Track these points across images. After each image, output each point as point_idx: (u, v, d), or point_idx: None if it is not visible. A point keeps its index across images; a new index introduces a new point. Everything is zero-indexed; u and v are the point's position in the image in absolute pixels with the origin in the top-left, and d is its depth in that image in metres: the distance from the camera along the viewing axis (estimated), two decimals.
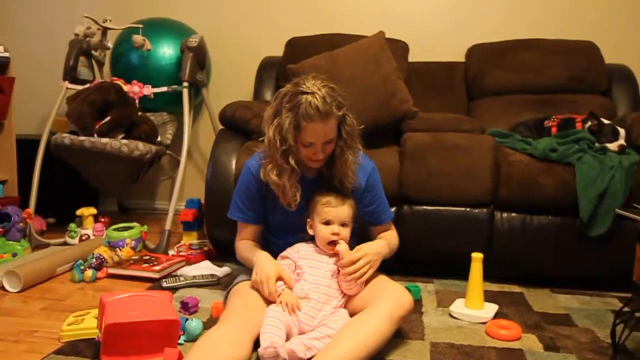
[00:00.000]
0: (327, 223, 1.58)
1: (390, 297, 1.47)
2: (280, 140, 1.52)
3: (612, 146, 2.07)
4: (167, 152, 2.81)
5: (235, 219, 1.70)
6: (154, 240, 2.57)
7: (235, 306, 1.48)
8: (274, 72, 2.87)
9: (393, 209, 2.11)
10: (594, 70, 2.61)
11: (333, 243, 1.57)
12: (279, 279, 1.51)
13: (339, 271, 1.56)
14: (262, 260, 1.55)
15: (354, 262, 1.50)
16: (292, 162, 1.55)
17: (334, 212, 1.57)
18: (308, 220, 1.64)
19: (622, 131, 2.10)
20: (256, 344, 1.40)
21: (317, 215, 1.60)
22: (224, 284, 2.04)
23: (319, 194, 1.62)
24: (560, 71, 2.61)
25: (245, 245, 1.68)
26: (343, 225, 1.59)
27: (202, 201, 2.55)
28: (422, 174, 2.09)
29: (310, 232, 1.63)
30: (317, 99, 1.47)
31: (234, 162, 2.23)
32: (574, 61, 2.62)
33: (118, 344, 1.41)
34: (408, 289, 1.74)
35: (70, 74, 2.76)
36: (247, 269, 1.68)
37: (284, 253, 1.61)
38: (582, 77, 2.60)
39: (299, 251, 1.60)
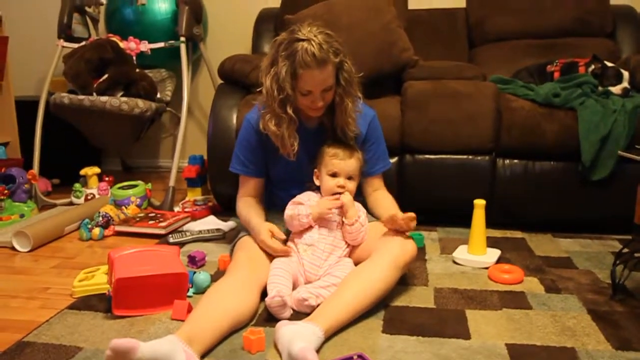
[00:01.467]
0: (334, 175, 1.59)
1: (395, 245, 1.48)
2: (277, 90, 1.51)
3: (616, 89, 2.05)
4: (167, 109, 2.79)
5: (237, 172, 1.70)
6: (159, 198, 2.58)
7: (240, 259, 1.50)
8: (272, 24, 2.81)
9: (395, 159, 2.13)
10: (599, 12, 2.55)
11: (338, 194, 1.58)
12: (272, 234, 1.53)
13: (343, 222, 1.57)
14: (256, 225, 1.58)
15: (406, 219, 1.49)
16: (289, 111, 1.54)
17: (341, 164, 1.58)
18: (315, 170, 1.64)
19: (625, 74, 2.06)
20: (263, 294, 1.43)
21: (324, 167, 1.60)
22: (229, 238, 2.06)
23: (328, 145, 1.62)
24: (564, 14, 2.55)
25: (244, 206, 1.68)
26: (349, 178, 1.59)
27: (205, 157, 2.56)
28: (424, 123, 2.08)
29: (317, 182, 1.64)
30: (313, 45, 1.45)
31: (234, 116, 2.23)
32: (578, 3, 2.55)
33: (128, 298, 1.43)
34: (411, 237, 1.76)
35: (65, 32, 2.72)
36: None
37: (296, 199, 1.62)
38: (587, 19, 2.54)
39: (310, 199, 1.61)
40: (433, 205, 2.12)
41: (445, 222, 2.18)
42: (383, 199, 1.70)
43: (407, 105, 2.12)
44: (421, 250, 1.91)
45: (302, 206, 1.56)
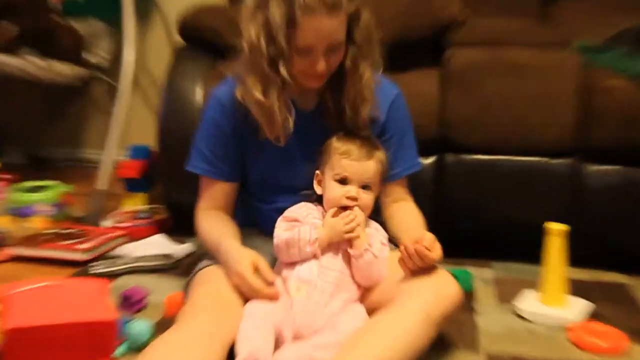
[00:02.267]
0: (343, 181, 1.60)
1: (428, 288, 1.46)
2: (267, 42, 1.53)
3: None
4: (101, 76, 2.78)
5: (198, 172, 1.71)
6: (82, 206, 2.56)
7: (199, 300, 1.50)
8: None
9: (429, 160, 2.15)
10: None
11: (346, 209, 1.59)
12: (255, 269, 1.54)
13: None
14: (231, 251, 1.58)
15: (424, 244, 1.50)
16: (283, 71, 1.55)
17: (355, 167, 1.59)
18: (317, 172, 1.65)
19: None
20: (231, 355, 1.39)
21: (330, 168, 1.61)
22: (184, 268, 2.04)
23: (338, 138, 1.64)
24: None
25: (210, 222, 1.70)
26: (365, 187, 1.60)
27: (153, 149, 2.55)
28: (474, 108, 2.08)
29: (318, 190, 1.65)
30: None
31: (199, 91, 2.23)
32: None
33: (26, 356, 1.40)
34: (454, 275, 1.70)
35: None
36: None
37: (289, 213, 1.63)
38: None
39: (308, 215, 1.63)
40: (486, 230, 2.12)
41: (505, 255, 2.17)
42: (404, 214, 1.72)
43: (449, 81, 2.13)
44: (468, 295, 1.88)
45: (304, 227, 1.57)
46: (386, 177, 1.70)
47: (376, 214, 1.69)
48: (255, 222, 1.75)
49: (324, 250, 1.56)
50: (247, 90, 1.59)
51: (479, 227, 2.10)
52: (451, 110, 2.08)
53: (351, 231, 1.54)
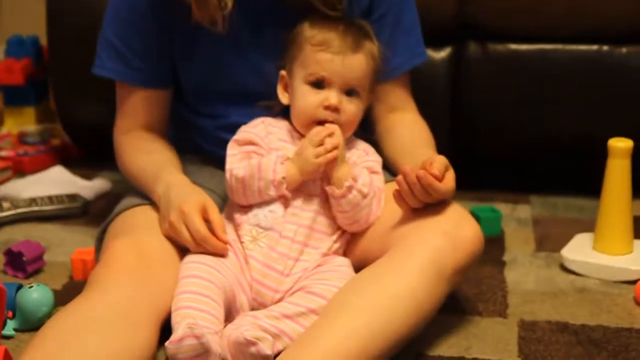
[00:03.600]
0: (319, 84, 1.60)
1: (438, 231, 1.50)
2: None
3: None
4: None
5: (110, 76, 1.72)
6: None
7: (119, 256, 1.52)
8: None
9: (444, 52, 2.19)
10: None
11: (323, 124, 1.60)
12: (204, 216, 1.55)
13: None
14: (174, 186, 1.59)
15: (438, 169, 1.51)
16: None
17: (336, 63, 1.60)
18: (282, 73, 1.66)
19: None
20: (166, 329, 1.44)
21: (301, 66, 1.62)
22: (95, 214, 2.08)
23: (312, 22, 1.64)
24: None
25: (135, 149, 1.71)
26: (349, 93, 1.62)
27: (43, 42, 2.60)
28: None
29: (284, 98, 1.66)
30: None
31: None
32: None
33: None
34: (475, 214, 1.76)
35: None
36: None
37: (241, 133, 1.64)
38: None
39: (268, 134, 1.64)
40: (521, 151, 2.20)
41: (547, 187, 2.22)
42: (404, 129, 1.74)
43: None
44: (494, 240, 1.94)
45: (267, 159, 1.57)
46: (379, 76, 1.71)
47: (365, 130, 1.71)
48: (195, 146, 1.77)
49: (294, 191, 1.58)
50: None
51: (511, 147, 2.14)
52: None
53: (325, 158, 1.54)
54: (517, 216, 2.10)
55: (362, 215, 1.59)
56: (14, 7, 3.24)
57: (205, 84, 1.72)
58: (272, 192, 1.55)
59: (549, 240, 1.97)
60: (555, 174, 2.20)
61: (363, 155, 1.66)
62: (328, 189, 1.57)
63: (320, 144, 1.55)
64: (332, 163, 1.56)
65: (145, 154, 1.70)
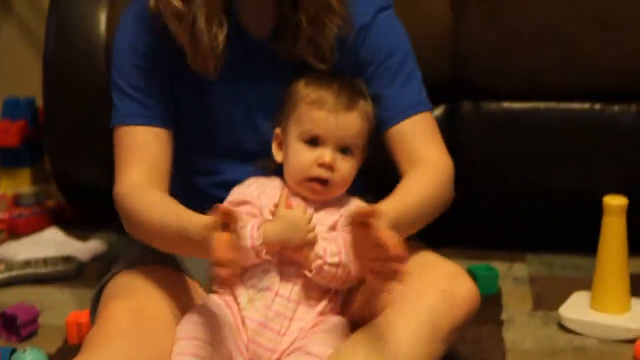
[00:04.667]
0: (314, 142, 1.60)
1: (432, 289, 1.50)
2: None
3: None
4: None
5: (130, 122, 1.66)
6: None
7: (115, 319, 1.50)
8: None
9: (439, 110, 2.17)
10: None
11: (319, 182, 1.60)
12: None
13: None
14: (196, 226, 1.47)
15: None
16: None
17: (330, 121, 1.59)
18: (276, 131, 1.66)
19: None
20: None
21: (296, 124, 1.62)
22: (90, 276, 2.07)
23: (307, 80, 1.64)
24: None
25: (152, 199, 1.61)
26: (344, 151, 1.61)
27: (38, 103, 2.59)
28: (500, 34, 2.13)
29: (278, 155, 1.66)
30: None
31: (102, 15, 2.25)
32: None
33: None
34: (472, 273, 1.76)
35: None
36: (141, 247, 1.69)
37: (234, 194, 1.63)
38: None
39: (260, 194, 1.62)
40: (517, 208, 2.19)
41: (544, 245, 2.23)
42: (405, 180, 1.66)
43: None
44: (493, 300, 1.95)
45: (254, 220, 1.55)
46: (393, 117, 1.69)
47: (359, 187, 1.69)
48: (192, 205, 1.65)
49: (283, 250, 1.55)
50: None
51: (506, 204, 2.14)
52: (468, 38, 2.12)
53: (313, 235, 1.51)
54: (513, 274, 2.10)
55: (344, 276, 1.55)
56: (10, 69, 3.26)
57: (201, 137, 1.72)
58: (254, 258, 1.53)
59: (546, 298, 1.97)
60: (550, 231, 2.20)
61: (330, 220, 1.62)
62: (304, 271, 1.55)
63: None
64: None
65: (161, 203, 1.60)
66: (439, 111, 2.16)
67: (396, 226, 1.45)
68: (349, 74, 1.67)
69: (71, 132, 2.22)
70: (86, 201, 2.35)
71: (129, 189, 1.64)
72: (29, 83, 2.93)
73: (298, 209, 1.56)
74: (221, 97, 1.67)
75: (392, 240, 1.33)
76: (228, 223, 1.37)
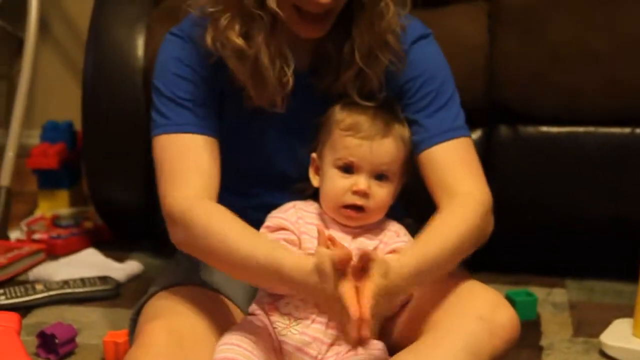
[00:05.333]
0: (348, 169, 1.60)
1: (472, 315, 1.50)
2: None
3: None
4: None
5: (177, 130, 1.63)
6: None
7: (153, 340, 1.50)
8: None
9: (476, 134, 2.15)
10: None
11: (354, 208, 1.60)
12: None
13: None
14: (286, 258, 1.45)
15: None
16: (272, 4, 1.53)
17: (365, 148, 1.59)
18: (313, 156, 1.67)
19: None
20: None
21: (331, 150, 1.62)
22: (128, 297, 2.08)
23: (343, 106, 1.64)
24: None
25: (218, 215, 1.56)
26: (379, 177, 1.61)
27: (77, 127, 2.59)
28: (539, 59, 2.11)
29: (315, 181, 1.67)
30: None
31: (140, 41, 2.26)
32: None
33: None
34: (510, 298, 1.75)
35: None
36: (179, 268, 1.71)
37: (272, 218, 1.63)
38: None
39: (301, 217, 1.63)
40: (557, 234, 2.17)
41: (584, 271, 2.22)
42: (438, 216, 1.62)
43: (501, 19, 2.16)
44: (532, 326, 1.93)
45: (293, 249, 1.56)
46: (418, 147, 1.67)
47: (400, 210, 1.70)
48: None
49: None
50: (220, 31, 1.58)
51: (546, 230, 2.13)
52: (506, 62, 2.11)
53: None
54: (553, 300, 2.08)
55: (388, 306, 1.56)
56: (50, 93, 3.29)
57: (241, 163, 1.73)
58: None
59: (587, 325, 1.94)
60: (590, 256, 2.18)
61: (394, 237, 1.64)
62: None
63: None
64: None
65: (231, 219, 1.55)
66: (475, 135, 2.14)
67: (422, 272, 1.48)
68: (386, 96, 1.67)
69: (109, 155, 2.24)
70: (123, 222, 2.35)
71: (190, 202, 1.58)
72: (67, 107, 2.97)
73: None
74: (263, 128, 1.68)
75: (363, 305, 1.32)
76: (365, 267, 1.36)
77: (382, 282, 1.36)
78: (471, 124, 2.07)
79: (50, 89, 3.31)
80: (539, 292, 2.09)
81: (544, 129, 2.14)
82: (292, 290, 1.51)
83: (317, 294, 1.41)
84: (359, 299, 1.33)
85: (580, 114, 2.13)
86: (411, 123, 1.68)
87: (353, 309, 1.31)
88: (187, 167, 1.62)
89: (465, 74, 2.05)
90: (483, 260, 2.01)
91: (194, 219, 1.55)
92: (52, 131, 2.66)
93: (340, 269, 1.35)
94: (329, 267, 1.34)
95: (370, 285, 1.34)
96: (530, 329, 1.90)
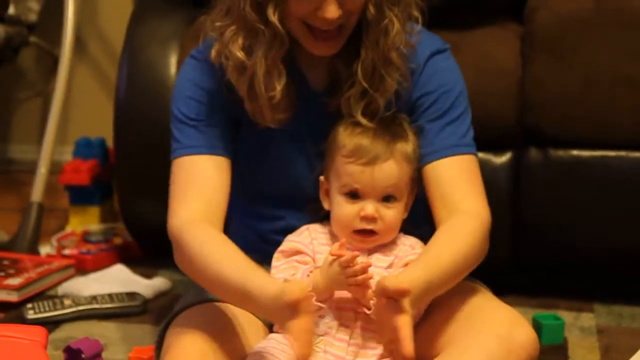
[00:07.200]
0: (354, 195, 1.60)
1: (491, 333, 1.49)
2: None
3: None
4: (32, 39, 2.82)
5: (189, 152, 1.67)
6: (10, 228, 2.61)
7: (181, 355, 1.51)
8: None
9: (505, 157, 2.16)
10: None
11: (364, 233, 1.60)
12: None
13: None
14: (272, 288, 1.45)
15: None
16: (273, 17, 1.54)
17: (366, 175, 1.59)
18: (321, 179, 1.67)
19: None
20: None
21: (335, 177, 1.62)
22: (155, 313, 2.09)
23: (345, 126, 1.64)
24: None
25: (212, 240, 1.59)
26: (386, 199, 1.61)
27: (109, 144, 2.61)
28: (571, 82, 2.11)
29: (325, 203, 1.66)
30: None
31: (173, 59, 2.28)
32: None
33: None
34: (537, 322, 1.74)
35: None
36: (201, 287, 1.68)
37: (287, 243, 1.63)
38: None
39: (312, 241, 1.63)
40: (586, 258, 2.16)
41: (612, 295, 2.21)
42: (440, 231, 1.64)
43: (535, 44, 2.15)
44: (559, 350, 1.92)
45: (304, 268, 1.57)
46: (430, 157, 1.67)
47: (411, 224, 1.67)
48: (250, 248, 1.66)
49: (342, 302, 1.55)
50: (225, 44, 1.60)
51: (574, 254, 2.11)
52: (538, 85, 2.11)
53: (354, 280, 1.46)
54: (580, 324, 2.07)
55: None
56: (83, 110, 3.32)
57: (259, 184, 1.74)
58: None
59: (614, 350, 1.92)
60: (619, 281, 2.18)
61: (409, 250, 1.64)
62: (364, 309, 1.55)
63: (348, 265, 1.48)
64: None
65: (223, 246, 1.58)
66: (505, 157, 2.16)
67: (428, 290, 1.49)
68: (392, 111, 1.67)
69: (140, 173, 2.26)
70: (152, 239, 2.36)
71: (183, 225, 1.62)
72: (100, 124, 2.98)
73: (335, 267, 1.49)
74: (282, 147, 1.69)
75: (407, 341, 1.36)
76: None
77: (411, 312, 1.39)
78: (502, 146, 2.10)
79: (84, 105, 3.35)
80: (566, 316, 2.08)
81: (575, 152, 2.14)
82: (260, 313, 1.56)
83: (280, 319, 1.44)
84: (399, 335, 1.36)
85: (612, 139, 2.12)
86: (420, 133, 1.68)
87: (407, 350, 1.35)
88: (190, 190, 1.65)
89: (497, 96, 2.08)
90: (511, 283, 2.03)
91: (183, 241, 1.60)
92: (85, 147, 2.69)
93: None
94: (290, 299, 1.36)
95: (409, 320, 1.38)
96: (557, 354, 1.89)
